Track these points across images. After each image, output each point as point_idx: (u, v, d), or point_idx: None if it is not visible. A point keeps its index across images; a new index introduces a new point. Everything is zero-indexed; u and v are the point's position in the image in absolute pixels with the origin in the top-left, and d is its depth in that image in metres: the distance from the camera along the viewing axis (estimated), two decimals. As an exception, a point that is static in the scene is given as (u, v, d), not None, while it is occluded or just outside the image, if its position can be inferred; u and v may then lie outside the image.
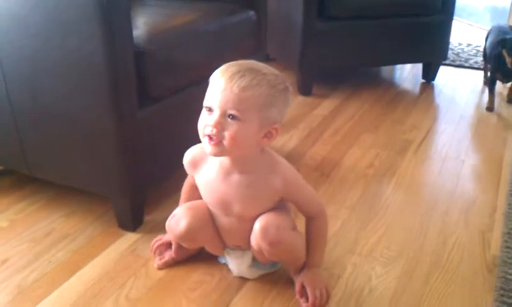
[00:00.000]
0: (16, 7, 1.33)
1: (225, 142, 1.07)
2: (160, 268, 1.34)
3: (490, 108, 2.45)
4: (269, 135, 1.12)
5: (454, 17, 2.76)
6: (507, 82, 2.51)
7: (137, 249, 1.42)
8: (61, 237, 1.47)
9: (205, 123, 1.08)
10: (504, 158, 1.97)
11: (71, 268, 1.34)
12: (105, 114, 1.33)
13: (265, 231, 1.16)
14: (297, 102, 2.52)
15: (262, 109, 1.07)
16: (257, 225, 1.17)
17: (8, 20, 1.35)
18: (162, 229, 1.37)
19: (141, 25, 1.47)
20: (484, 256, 1.41)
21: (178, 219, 1.25)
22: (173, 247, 1.35)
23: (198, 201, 1.27)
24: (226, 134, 1.06)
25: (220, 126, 1.06)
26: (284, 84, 1.11)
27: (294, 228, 1.23)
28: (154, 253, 1.36)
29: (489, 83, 2.48)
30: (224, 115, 1.06)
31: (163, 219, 1.31)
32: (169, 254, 1.36)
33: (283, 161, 1.19)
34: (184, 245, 1.31)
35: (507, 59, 2.33)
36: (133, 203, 1.47)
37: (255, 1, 1.92)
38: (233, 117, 1.05)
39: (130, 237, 1.46)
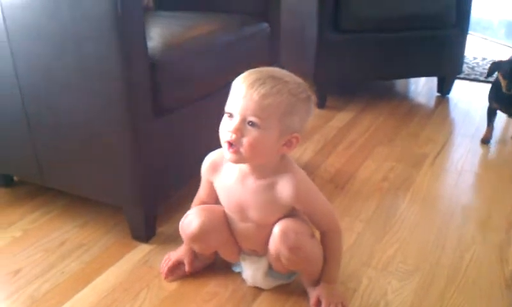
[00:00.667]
0: (33, 19, 1.33)
1: (243, 150, 1.07)
2: (173, 280, 1.33)
3: (485, 140, 2.20)
4: (288, 144, 1.11)
5: (469, 31, 2.74)
6: (509, 114, 2.23)
7: (150, 260, 1.41)
8: (74, 247, 1.46)
9: (226, 129, 1.08)
10: (521, 172, 1.95)
11: (84, 278, 1.34)
12: (119, 124, 1.33)
13: (285, 235, 1.14)
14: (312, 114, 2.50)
15: (282, 117, 1.07)
16: (277, 229, 1.16)
17: (25, 31, 1.36)
18: (175, 241, 1.36)
19: (156, 37, 1.47)
20: (502, 271, 1.38)
21: (191, 220, 1.24)
22: (186, 261, 1.34)
23: (212, 205, 1.27)
24: (245, 141, 1.06)
25: (239, 132, 1.06)
26: (306, 92, 1.11)
27: (313, 236, 1.22)
28: (166, 277, 1.34)
29: (488, 113, 2.23)
30: (243, 121, 1.06)
31: (176, 230, 1.31)
32: (181, 270, 1.35)
33: (299, 170, 1.18)
34: (196, 247, 1.29)
35: (502, 83, 2.06)
36: (146, 214, 1.47)
37: (268, 13, 1.92)
38: (252, 124, 1.05)
39: (143, 248, 1.46)
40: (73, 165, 1.47)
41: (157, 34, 1.51)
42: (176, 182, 1.55)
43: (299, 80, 1.11)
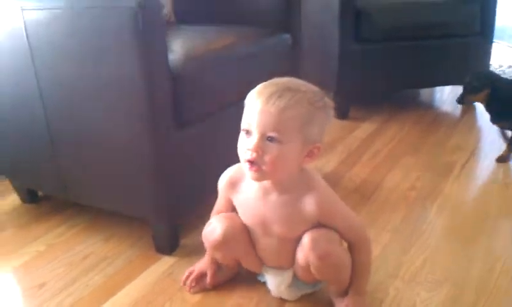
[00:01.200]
0: (55, 36, 1.35)
1: (265, 167, 1.04)
2: (196, 292, 1.32)
3: (501, 158, 2.07)
4: (310, 154, 1.09)
5: (494, 40, 2.70)
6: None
7: (173, 272, 1.40)
8: (98, 261, 1.46)
9: (245, 147, 1.06)
10: (552, 180, 1.89)
11: (108, 292, 1.33)
12: (142, 137, 1.33)
13: (315, 242, 1.12)
14: (334, 125, 2.48)
15: (303, 128, 1.04)
16: (306, 238, 1.13)
17: (48, 48, 1.38)
18: (199, 253, 1.35)
19: (177, 50, 1.47)
20: (535, 281, 1.34)
21: (214, 227, 1.23)
22: (209, 272, 1.32)
23: (234, 213, 1.25)
24: (267, 159, 1.03)
25: (260, 150, 1.03)
26: (323, 100, 1.08)
27: (341, 244, 1.19)
28: (189, 289, 1.33)
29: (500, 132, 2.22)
30: (263, 138, 1.03)
31: (199, 242, 1.30)
32: (203, 282, 1.33)
33: (321, 182, 1.15)
34: (218, 256, 1.28)
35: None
36: (169, 226, 1.46)
37: (290, 24, 1.91)
38: (272, 139, 1.03)
39: (166, 261, 1.45)
40: (96, 179, 1.48)
41: (179, 46, 1.51)
42: (199, 194, 1.54)
43: (314, 88, 1.09)
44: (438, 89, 3.09)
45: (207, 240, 1.25)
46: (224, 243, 1.22)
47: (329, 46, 2.49)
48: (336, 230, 1.17)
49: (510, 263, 1.40)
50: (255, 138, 1.04)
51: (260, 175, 1.06)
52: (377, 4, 2.51)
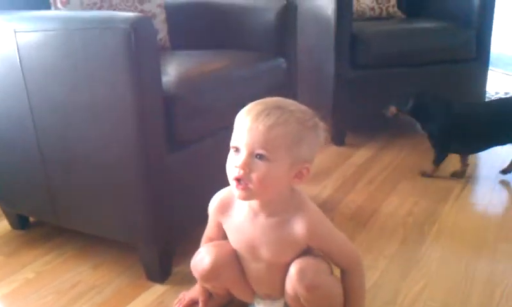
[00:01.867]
0: (48, 58, 1.34)
1: (252, 185, 1.01)
2: (187, 321, 1.28)
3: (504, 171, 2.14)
4: (299, 175, 1.06)
5: (490, 67, 2.70)
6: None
7: (164, 301, 1.36)
8: (87, 289, 1.42)
9: (233, 164, 1.03)
10: (552, 205, 1.86)
11: (96, 321, 1.29)
12: (133, 158, 1.31)
13: (302, 274, 1.08)
14: (330, 152, 2.47)
15: (291, 147, 1.02)
16: (293, 268, 1.09)
17: (40, 70, 1.37)
18: (191, 281, 1.31)
19: (171, 72, 1.46)
20: (538, 307, 1.30)
21: (203, 257, 1.19)
22: (200, 300, 1.28)
23: (224, 241, 1.21)
24: (254, 177, 1.01)
25: (247, 167, 1.01)
26: (313, 120, 1.06)
27: (332, 273, 1.15)
28: None
29: None
30: (251, 155, 1.01)
31: (192, 269, 1.26)
32: None
33: (310, 204, 1.12)
34: (209, 286, 1.24)
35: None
36: (161, 253, 1.42)
37: (285, 49, 1.90)
38: (261, 157, 1.00)
39: (158, 289, 1.41)
40: (87, 204, 1.44)
41: (172, 69, 1.49)
42: (193, 219, 1.51)
43: (304, 107, 1.07)
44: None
45: (196, 270, 1.21)
46: (213, 273, 1.18)
47: (324, 71, 2.49)
48: (326, 254, 1.14)
49: (511, 289, 1.37)
50: (243, 155, 1.01)
51: (247, 194, 1.03)
52: (373, 30, 2.52)
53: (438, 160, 2.13)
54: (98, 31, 1.25)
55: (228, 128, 1.08)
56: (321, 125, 1.08)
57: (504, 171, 2.12)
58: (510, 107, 2.10)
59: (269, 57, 1.83)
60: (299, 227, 1.08)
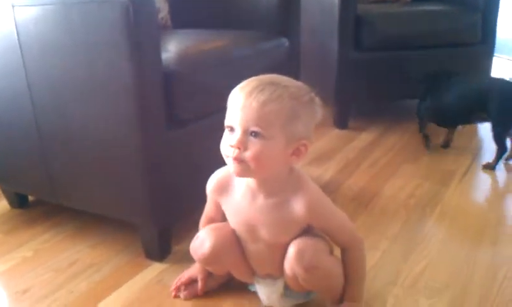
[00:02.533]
0: (45, 32, 1.32)
1: (249, 163, 0.99)
2: (186, 299, 1.26)
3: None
4: (297, 153, 1.04)
5: (496, 53, 2.66)
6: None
7: (163, 279, 1.34)
8: (85, 267, 1.41)
9: (227, 143, 1.02)
10: (556, 189, 1.84)
11: (93, 298, 1.28)
12: (132, 137, 1.29)
13: (301, 255, 1.06)
14: (333, 135, 2.45)
15: (286, 123, 0.99)
16: (292, 249, 1.08)
17: (38, 45, 1.34)
18: (191, 259, 1.29)
19: (171, 49, 1.43)
20: (541, 288, 1.28)
21: (203, 240, 1.17)
22: (199, 278, 1.27)
23: (223, 223, 1.20)
24: (249, 154, 0.99)
25: (242, 145, 0.99)
26: (309, 95, 1.03)
27: (331, 253, 1.14)
28: (176, 294, 1.28)
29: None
30: (246, 133, 0.99)
31: (193, 248, 1.24)
32: (194, 288, 1.28)
33: (310, 183, 1.10)
34: (209, 269, 1.23)
35: None
36: (160, 231, 1.41)
37: (287, 29, 1.88)
38: (256, 134, 0.98)
39: (157, 267, 1.40)
40: (85, 181, 1.43)
41: (173, 47, 1.47)
42: (193, 197, 1.49)
43: (300, 83, 1.05)
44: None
45: (196, 254, 1.20)
46: (213, 257, 1.17)
47: (328, 53, 2.46)
48: (327, 233, 1.12)
49: (513, 272, 1.35)
50: (237, 134, 0.99)
51: (243, 169, 1.01)
52: (378, 12, 2.48)
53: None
54: (97, 5, 1.22)
55: (230, 108, 1.06)
56: (317, 100, 1.05)
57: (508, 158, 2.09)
58: None
59: (272, 37, 1.81)
60: (299, 206, 1.06)
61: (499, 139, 2.00)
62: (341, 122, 2.54)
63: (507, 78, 2.28)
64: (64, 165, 1.45)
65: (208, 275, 1.27)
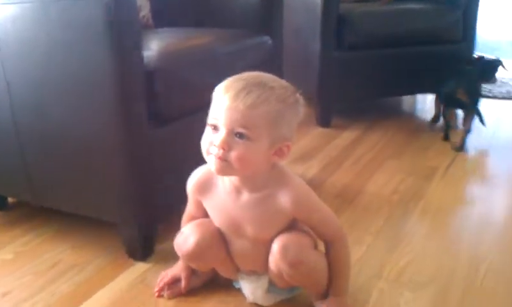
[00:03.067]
0: (23, 31, 1.30)
1: (232, 163, 0.98)
2: (170, 298, 1.25)
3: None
4: (280, 153, 1.03)
5: (477, 52, 2.68)
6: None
7: (146, 279, 1.33)
8: (66, 269, 1.38)
9: (211, 142, 1.00)
10: (537, 182, 1.86)
11: (76, 300, 1.26)
12: (114, 134, 1.27)
13: (285, 250, 1.06)
14: (316, 133, 2.45)
15: (272, 126, 0.99)
16: (276, 244, 1.07)
17: (16, 43, 1.33)
18: (175, 258, 1.28)
19: (153, 47, 1.42)
20: (523, 281, 1.29)
21: (187, 236, 1.16)
22: (183, 276, 1.25)
23: (207, 219, 1.18)
24: (233, 155, 0.98)
25: (227, 146, 0.98)
26: (294, 96, 1.03)
27: (316, 247, 1.13)
28: (159, 294, 1.26)
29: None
30: (231, 134, 0.98)
31: (175, 247, 1.23)
32: (178, 287, 1.26)
33: (294, 177, 1.10)
34: (193, 265, 1.22)
35: None
36: (142, 231, 1.39)
37: (270, 27, 1.88)
38: (241, 135, 0.97)
39: (140, 267, 1.38)
40: (66, 182, 1.41)
41: (154, 44, 1.45)
42: (176, 197, 1.47)
43: (285, 83, 1.04)
44: (420, 97, 3.08)
45: (180, 249, 1.19)
46: (197, 253, 1.16)
47: (310, 52, 2.46)
48: (311, 227, 1.11)
49: (495, 264, 1.36)
50: (222, 134, 0.98)
51: (225, 167, 1.00)
52: (360, 11, 2.49)
53: None
54: (77, 3, 1.20)
55: (213, 106, 1.05)
56: (301, 100, 1.05)
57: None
58: None
59: (254, 35, 1.80)
60: (284, 199, 1.05)
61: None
62: (324, 120, 2.54)
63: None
64: (43, 166, 1.43)
65: (191, 273, 1.26)
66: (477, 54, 2.61)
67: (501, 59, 2.44)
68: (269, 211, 1.07)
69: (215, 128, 1.00)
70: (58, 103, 1.32)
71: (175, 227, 1.26)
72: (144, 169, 1.33)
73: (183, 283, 1.25)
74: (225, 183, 1.10)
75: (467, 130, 2.21)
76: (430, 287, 1.26)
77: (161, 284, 1.26)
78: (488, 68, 2.39)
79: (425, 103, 3.01)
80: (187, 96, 1.45)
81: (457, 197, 1.79)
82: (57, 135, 1.35)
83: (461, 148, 2.18)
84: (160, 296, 1.25)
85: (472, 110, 2.19)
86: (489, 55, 2.52)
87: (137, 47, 1.27)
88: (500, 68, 2.39)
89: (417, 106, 3.00)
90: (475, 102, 2.22)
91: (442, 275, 1.31)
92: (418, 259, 1.38)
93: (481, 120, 2.20)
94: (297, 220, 1.11)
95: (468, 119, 2.23)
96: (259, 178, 1.06)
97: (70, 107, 1.30)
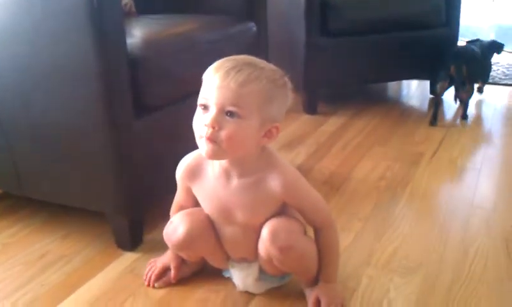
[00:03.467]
0: (7, 18, 1.27)
1: (222, 143, 0.98)
2: (160, 287, 1.24)
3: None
4: (269, 135, 1.03)
5: (459, 37, 2.70)
6: None
7: (136, 268, 1.32)
8: (55, 259, 1.38)
9: (201, 122, 1.00)
10: (522, 166, 1.88)
11: (65, 290, 1.25)
12: (98, 124, 1.26)
13: (274, 235, 1.06)
14: (303, 120, 2.45)
15: (262, 105, 0.99)
16: (265, 230, 1.07)
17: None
18: (164, 248, 1.28)
19: (137, 34, 1.40)
20: (510, 264, 1.30)
21: (176, 226, 1.16)
22: (172, 266, 1.25)
23: (197, 208, 1.18)
24: (224, 134, 0.97)
25: (217, 124, 0.97)
26: (283, 79, 1.03)
27: (305, 233, 1.13)
28: (149, 284, 1.26)
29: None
30: (221, 112, 0.97)
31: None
32: (167, 277, 1.26)
33: (283, 161, 1.10)
34: (183, 255, 1.21)
35: None
36: (131, 221, 1.38)
37: (254, 13, 1.87)
38: (231, 114, 0.97)
39: (129, 257, 1.37)
40: (52, 172, 1.39)
41: (138, 32, 1.43)
42: (164, 186, 1.46)
43: (274, 66, 1.04)
44: (405, 84, 3.09)
45: (169, 240, 1.18)
46: (187, 243, 1.16)
47: (295, 38, 2.45)
48: (301, 212, 1.12)
49: (484, 248, 1.37)
50: (212, 112, 0.98)
51: (215, 150, 0.99)
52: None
53: None
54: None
55: (198, 94, 1.04)
56: (289, 84, 1.05)
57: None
58: None
59: (239, 21, 1.79)
60: (274, 183, 1.06)
61: None
62: (310, 107, 2.54)
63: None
64: (30, 156, 1.41)
65: (181, 262, 1.26)
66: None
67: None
68: (259, 196, 1.07)
69: (205, 108, 1.00)
70: (43, 92, 1.30)
71: (163, 216, 1.26)
72: (130, 159, 1.32)
73: (172, 273, 1.25)
74: (215, 169, 1.10)
75: (467, 100, 2.39)
76: (419, 272, 1.27)
77: (150, 274, 1.26)
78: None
79: (410, 89, 3.02)
80: (172, 84, 1.44)
81: (444, 182, 1.81)
82: (43, 125, 1.33)
83: (466, 116, 2.37)
84: (149, 285, 1.25)
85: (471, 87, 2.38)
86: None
87: (120, 34, 1.25)
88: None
89: (402, 92, 3.01)
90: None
91: (431, 260, 1.32)
92: (407, 245, 1.39)
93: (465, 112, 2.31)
94: (287, 205, 1.11)
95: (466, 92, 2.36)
96: (249, 162, 1.06)
97: (54, 96, 1.29)
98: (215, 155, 1.02)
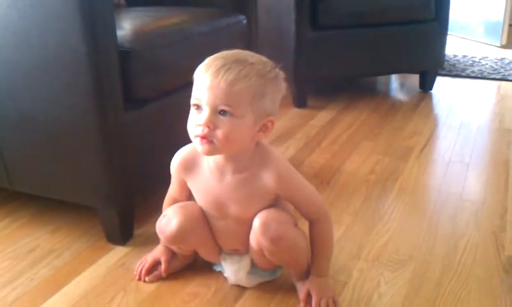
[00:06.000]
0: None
1: (217, 142, 0.98)
2: (151, 281, 1.24)
3: None
4: (264, 129, 1.04)
5: (448, 32, 2.71)
6: None
7: (126, 262, 1.32)
8: (45, 253, 1.37)
9: (195, 123, 1.00)
10: (510, 160, 1.89)
11: (55, 284, 1.24)
12: (88, 117, 1.24)
13: (266, 226, 1.06)
14: (292, 114, 2.45)
15: (254, 101, 0.99)
16: (257, 221, 1.08)
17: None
18: (154, 242, 1.28)
19: (126, 26, 1.39)
20: (499, 257, 1.32)
21: (169, 219, 1.15)
22: (163, 260, 1.25)
23: (190, 202, 1.18)
24: (219, 133, 0.98)
25: (212, 124, 0.98)
26: (274, 71, 1.04)
27: (296, 225, 1.14)
28: (139, 278, 1.25)
29: None
30: (214, 112, 0.98)
31: (154, 231, 1.22)
32: (158, 271, 1.26)
33: (277, 154, 1.11)
34: (175, 248, 1.21)
35: None
36: (121, 215, 1.37)
37: (245, 6, 1.86)
38: (224, 113, 0.98)
39: (119, 251, 1.37)
40: (41, 165, 1.38)
41: (128, 24, 1.43)
42: (155, 180, 1.46)
43: (264, 59, 1.05)
44: (394, 78, 3.10)
45: (162, 233, 1.18)
46: (180, 236, 1.16)
47: (285, 32, 2.45)
48: (295, 205, 1.13)
49: (473, 241, 1.38)
50: (205, 113, 0.98)
51: (212, 148, 1.00)
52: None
53: None
54: (48, -19, 1.17)
55: (189, 86, 1.04)
56: (281, 74, 1.06)
57: None
58: None
59: (229, 14, 1.79)
60: (268, 177, 1.06)
61: None
62: (300, 101, 2.54)
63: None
64: (18, 150, 1.39)
65: (172, 256, 1.26)
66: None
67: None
68: (253, 190, 1.08)
69: (198, 107, 1.00)
70: (31, 86, 1.28)
71: (154, 211, 1.26)
72: (120, 152, 1.31)
73: (163, 266, 1.25)
74: (210, 163, 1.10)
75: None
76: (409, 266, 1.28)
77: (140, 268, 1.26)
78: None
79: (400, 83, 3.03)
80: (163, 76, 1.43)
81: (433, 176, 1.82)
82: (31, 118, 1.31)
83: None
84: (140, 280, 1.25)
85: None
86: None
87: (110, 26, 1.24)
88: None
89: (392, 86, 3.02)
90: None
91: (421, 253, 1.33)
92: (397, 238, 1.40)
93: None
94: (279, 199, 1.12)
95: None
96: (243, 158, 1.07)
97: (43, 89, 1.27)
98: (211, 153, 1.03)
